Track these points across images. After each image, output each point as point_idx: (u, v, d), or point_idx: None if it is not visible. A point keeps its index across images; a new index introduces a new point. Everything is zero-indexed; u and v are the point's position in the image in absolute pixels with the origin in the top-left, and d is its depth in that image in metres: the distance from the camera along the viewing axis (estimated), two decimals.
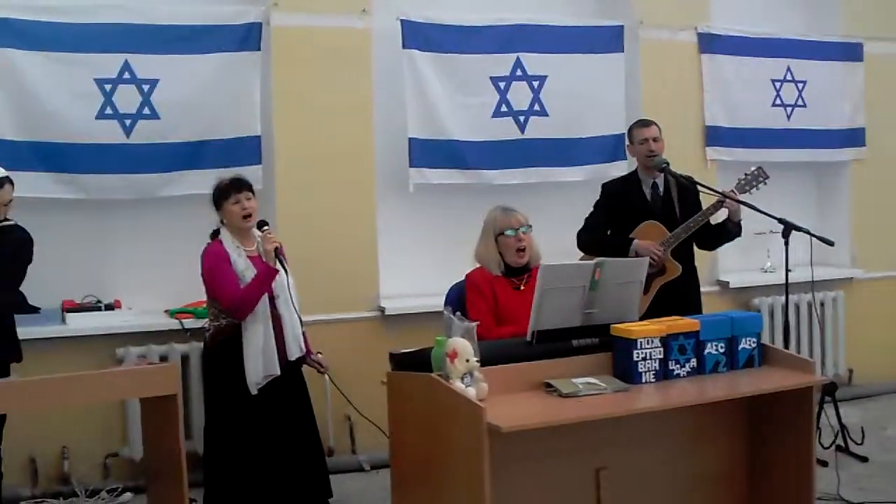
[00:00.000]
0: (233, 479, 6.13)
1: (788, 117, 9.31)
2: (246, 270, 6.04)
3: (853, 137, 9.63)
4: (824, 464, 7.25)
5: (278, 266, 6.06)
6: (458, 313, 5.29)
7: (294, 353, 6.19)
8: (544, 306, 5.44)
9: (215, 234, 6.28)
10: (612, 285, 5.59)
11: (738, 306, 8.90)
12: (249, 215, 6.17)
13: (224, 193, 6.21)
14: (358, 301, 7.58)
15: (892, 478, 7.24)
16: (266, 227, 6.15)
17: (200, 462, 7.00)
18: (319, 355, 6.56)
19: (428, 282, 7.58)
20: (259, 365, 6.02)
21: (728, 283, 9.02)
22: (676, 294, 6.91)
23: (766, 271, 9.21)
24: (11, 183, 6.09)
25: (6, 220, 6.09)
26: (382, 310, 7.78)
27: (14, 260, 6.13)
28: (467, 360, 4.96)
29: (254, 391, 6.03)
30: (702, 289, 7.47)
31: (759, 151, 9.00)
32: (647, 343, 5.40)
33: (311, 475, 6.30)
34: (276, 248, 6.07)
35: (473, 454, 4.72)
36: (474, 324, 5.18)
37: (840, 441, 7.73)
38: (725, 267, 9.08)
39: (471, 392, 4.90)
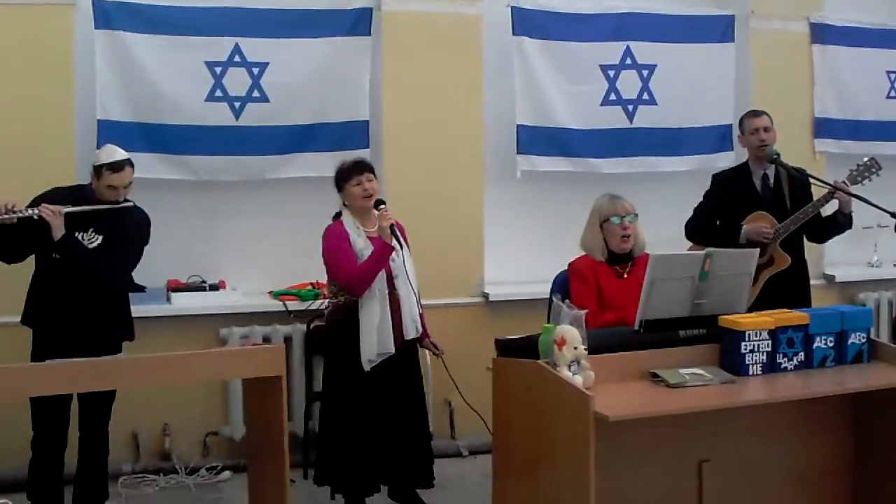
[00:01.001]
0: (344, 455, 6.18)
1: None
2: (365, 249, 6.10)
3: None
4: None
5: (395, 244, 6.11)
6: (566, 301, 5.29)
7: (410, 332, 6.23)
8: (653, 296, 5.40)
9: (337, 215, 6.34)
10: (721, 276, 5.54)
11: (844, 300, 8.80)
12: (370, 196, 6.21)
13: (346, 175, 6.26)
14: (463, 286, 7.60)
15: None
16: (383, 206, 6.18)
17: (300, 443, 7.10)
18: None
19: (532, 269, 7.59)
20: (374, 342, 6.07)
21: (834, 276, 8.90)
22: (785, 286, 6.82)
23: (872, 266, 9.07)
24: (132, 165, 6.15)
25: (126, 200, 6.17)
26: (486, 296, 7.79)
27: (133, 240, 6.20)
28: (575, 348, 4.94)
29: (367, 368, 6.08)
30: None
31: (871, 144, 8.84)
32: (756, 335, 5.35)
33: (417, 458, 6.33)
34: (392, 225, 6.10)
35: (579, 443, 4.71)
36: (583, 312, 5.18)
37: None
38: (832, 260, 8.95)
39: (578, 380, 4.88)
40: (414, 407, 6.34)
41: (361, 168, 6.27)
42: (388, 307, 6.11)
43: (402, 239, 6.21)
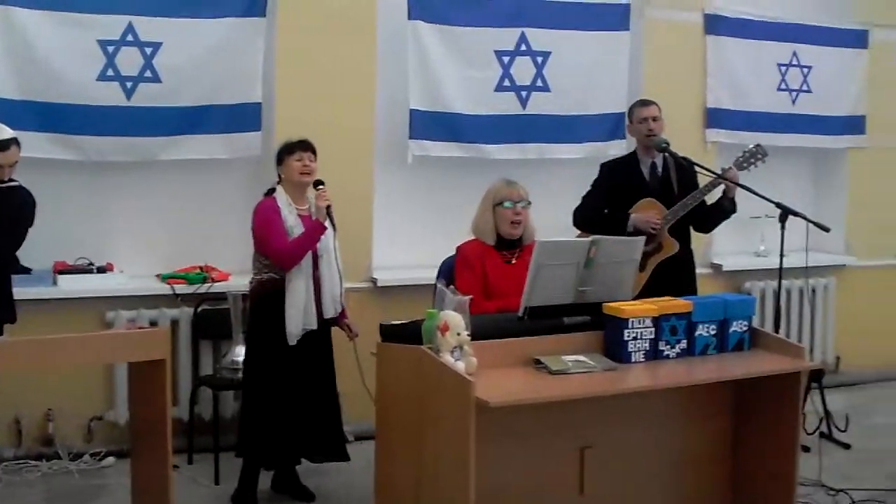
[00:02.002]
0: (266, 427, 6.24)
1: (794, 102, 9.30)
2: (295, 227, 6.16)
3: (854, 125, 9.63)
4: (807, 449, 7.28)
5: (327, 224, 6.17)
6: (451, 286, 5.33)
7: (329, 312, 6.30)
8: (538, 282, 5.44)
9: (270, 191, 6.38)
10: (606, 264, 5.60)
11: (731, 289, 8.92)
12: (309, 173, 6.28)
13: (290, 149, 6.32)
14: (352, 271, 7.52)
15: (874, 466, 7.29)
16: (322, 187, 6.26)
17: (186, 428, 7.07)
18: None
19: (422, 254, 7.57)
20: (299, 317, 6.15)
21: (721, 265, 9.04)
22: (673, 273, 6.92)
23: (759, 255, 9.21)
24: (18, 144, 6.07)
25: (11, 180, 6.09)
26: (375, 281, 7.79)
27: (16, 221, 6.13)
28: (458, 334, 4.96)
29: (292, 342, 6.15)
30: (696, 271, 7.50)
31: (761, 135, 8.85)
32: (639, 323, 5.42)
33: (331, 433, 6.42)
34: (328, 207, 6.16)
35: (460, 428, 4.73)
36: (467, 298, 5.20)
37: (824, 428, 7.78)
38: (719, 250, 9.10)
39: (460, 366, 4.90)
40: (327, 384, 6.40)
41: (306, 146, 6.35)
42: (312, 285, 6.20)
43: (333, 222, 6.28)
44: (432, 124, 7.84)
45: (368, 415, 5.65)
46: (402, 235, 8.10)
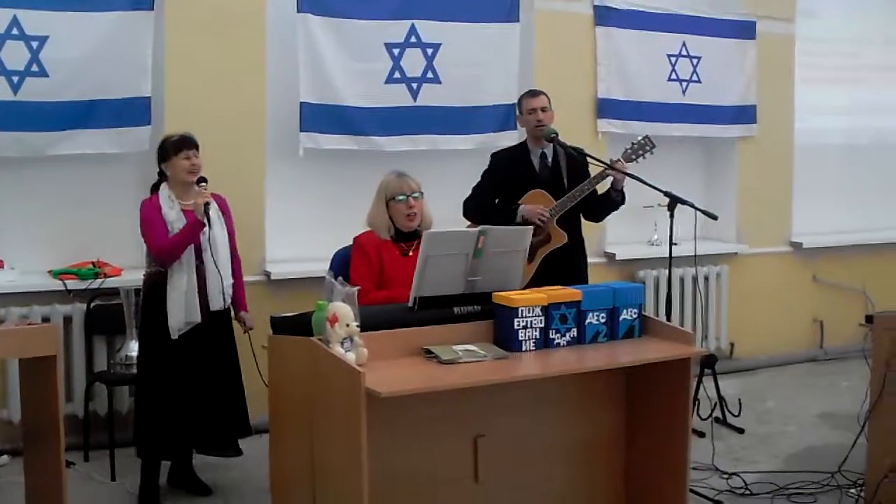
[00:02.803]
0: (158, 417, 6.25)
1: (684, 92, 9.41)
2: (176, 222, 6.17)
3: (744, 114, 9.78)
4: (701, 434, 7.43)
5: (206, 221, 6.15)
6: (339, 278, 5.32)
7: (216, 304, 6.29)
8: (427, 273, 5.46)
9: (155, 187, 6.38)
10: (495, 253, 5.62)
11: (624, 278, 9.02)
12: (195, 171, 6.27)
13: (176, 147, 6.31)
14: (244, 264, 7.51)
15: (766, 449, 7.44)
16: (203, 184, 6.24)
17: (81, 425, 7.02)
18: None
19: (316, 247, 7.55)
20: (181, 311, 6.17)
21: (615, 254, 9.13)
22: (562, 263, 6.98)
23: (652, 244, 9.30)
24: None
25: None
26: (268, 274, 7.78)
27: None
28: (347, 325, 4.97)
29: (174, 335, 6.17)
30: (589, 260, 7.56)
31: (652, 125, 9.01)
32: (529, 312, 5.44)
33: (228, 412, 6.40)
34: (206, 204, 6.14)
35: (351, 419, 4.74)
36: (355, 289, 5.20)
37: (718, 413, 7.90)
38: (613, 239, 9.19)
39: (350, 357, 4.92)
40: (223, 368, 6.40)
41: (191, 143, 6.34)
42: (195, 279, 6.20)
43: (218, 214, 6.30)
44: (323, 117, 7.83)
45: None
46: (295, 228, 8.08)
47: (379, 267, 6.20)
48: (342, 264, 6.38)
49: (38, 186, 7.46)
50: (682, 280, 9.37)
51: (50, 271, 7.37)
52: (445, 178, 7.88)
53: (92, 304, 7.20)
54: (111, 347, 7.32)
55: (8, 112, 7.06)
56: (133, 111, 7.34)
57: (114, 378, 6.92)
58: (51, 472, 5.58)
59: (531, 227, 6.07)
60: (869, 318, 6.44)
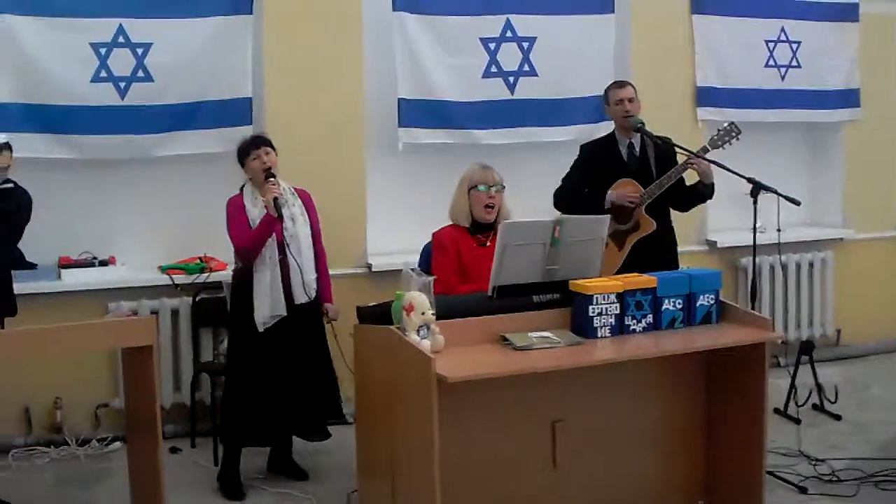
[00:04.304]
0: (246, 409, 6.49)
1: (783, 78, 9.37)
2: (258, 219, 6.41)
3: (848, 98, 9.69)
4: (797, 421, 7.49)
5: (286, 213, 6.41)
6: (415, 268, 5.48)
7: (300, 298, 6.50)
8: (505, 262, 5.60)
9: (243, 188, 6.63)
10: (573, 242, 5.75)
11: (726, 266, 9.04)
12: (269, 168, 6.48)
13: (245, 150, 6.58)
14: (347, 258, 7.78)
15: (862, 436, 7.41)
16: (271, 179, 6.45)
17: (188, 413, 7.30)
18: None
19: (415, 239, 7.63)
20: (266, 305, 6.41)
21: (716, 242, 9.15)
22: (652, 250, 7.04)
23: (758, 231, 9.25)
24: (10, 149, 6.36)
25: (7, 181, 6.33)
26: (370, 266, 7.98)
27: (13, 221, 6.38)
28: (423, 314, 5.15)
29: (260, 329, 6.41)
30: (690, 248, 7.67)
31: (752, 112, 9.12)
32: (604, 299, 5.56)
33: (315, 398, 6.62)
34: (276, 198, 6.35)
35: (424, 404, 4.92)
36: (431, 278, 5.37)
37: (816, 400, 7.91)
38: (715, 226, 9.20)
39: (425, 344, 5.09)
40: (313, 358, 6.62)
41: (258, 143, 6.58)
42: (279, 273, 6.42)
43: (301, 209, 6.58)
44: (421, 112, 8.01)
45: None
46: (396, 221, 8.26)
47: (458, 259, 6.34)
48: (428, 257, 6.56)
49: (147, 186, 7.79)
50: (785, 267, 9.34)
51: (159, 267, 7.67)
52: (542, 169, 8.00)
53: (198, 298, 7.48)
54: (216, 339, 7.60)
55: (116, 116, 7.39)
56: (235, 112, 7.60)
57: (217, 368, 7.16)
58: (150, 457, 5.84)
59: (608, 216, 6.17)
60: None
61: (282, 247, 6.43)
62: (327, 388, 6.68)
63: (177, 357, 7.53)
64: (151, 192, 7.80)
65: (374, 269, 7.96)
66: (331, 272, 7.02)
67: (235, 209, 6.48)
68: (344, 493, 6.33)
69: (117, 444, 7.28)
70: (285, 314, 6.42)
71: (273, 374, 6.46)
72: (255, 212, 6.42)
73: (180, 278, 7.52)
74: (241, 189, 6.59)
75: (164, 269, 7.58)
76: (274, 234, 6.39)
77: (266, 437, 6.68)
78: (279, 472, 6.81)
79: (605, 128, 8.19)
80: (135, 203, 7.79)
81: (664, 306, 5.74)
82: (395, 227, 8.22)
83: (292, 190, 6.61)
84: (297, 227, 6.47)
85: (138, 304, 7.42)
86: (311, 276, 6.55)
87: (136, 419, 6.11)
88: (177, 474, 6.64)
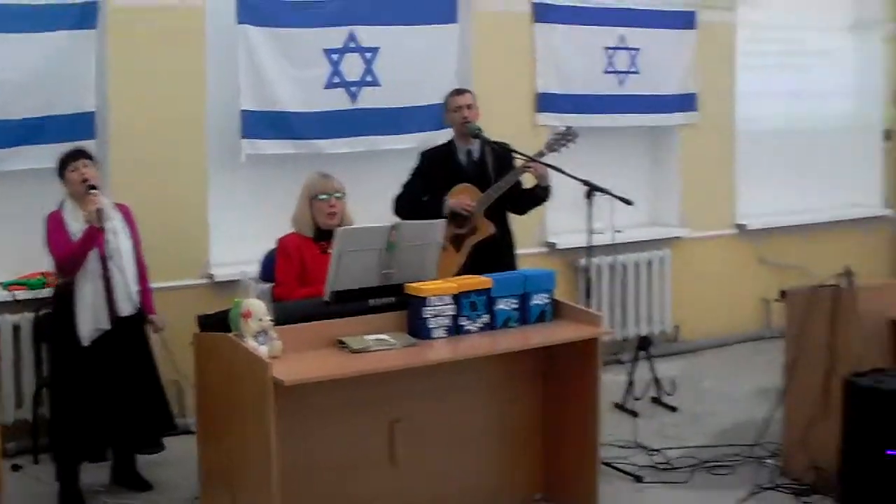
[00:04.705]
0: (73, 424, 6.46)
1: (621, 83, 9.61)
2: (79, 233, 6.36)
3: (684, 102, 10.00)
4: (635, 414, 7.76)
5: (104, 226, 6.35)
6: (253, 276, 5.61)
7: (125, 310, 6.48)
8: (342, 267, 5.75)
9: (62, 204, 6.58)
10: (409, 247, 5.90)
11: (565, 267, 9.24)
12: (86, 180, 6.45)
13: (64, 164, 6.54)
14: (190, 269, 7.79)
15: (696, 426, 7.72)
16: (93, 192, 6.41)
17: (30, 429, 7.29)
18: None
19: (260, 249, 7.62)
20: (89, 319, 6.37)
21: (555, 244, 9.35)
22: (490, 253, 7.23)
23: (596, 233, 9.43)
24: None
25: None
26: (212, 276, 7.99)
27: None
28: (260, 320, 5.25)
29: (85, 343, 6.37)
30: (530, 250, 7.88)
31: (591, 117, 9.38)
32: (439, 300, 5.73)
33: (144, 410, 6.61)
34: (100, 210, 6.32)
35: (261, 408, 5.04)
36: (268, 285, 5.51)
37: (654, 393, 8.21)
38: (555, 228, 9.39)
39: (262, 350, 5.20)
40: (139, 376, 6.61)
41: (77, 155, 6.56)
42: (102, 286, 6.40)
43: (121, 222, 6.52)
44: (264, 123, 8.05)
45: None
46: (240, 231, 8.25)
47: (300, 265, 6.48)
48: (270, 264, 6.68)
49: None
50: (624, 266, 9.63)
51: (0, 283, 7.63)
52: (384, 178, 8.07)
53: (40, 313, 7.40)
54: None
55: None
56: (79, 126, 7.56)
57: None
58: None
59: (443, 221, 6.38)
60: (783, 294, 6.71)
61: (104, 260, 6.42)
62: (155, 399, 6.71)
63: (18, 373, 7.45)
64: None
65: (216, 280, 7.96)
66: (171, 284, 7.08)
67: (55, 223, 6.45)
68: (188, 502, 6.39)
69: None
70: (109, 327, 6.42)
71: (99, 388, 6.44)
72: (76, 226, 6.38)
73: (22, 294, 7.48)
74: (61, 205, 6.56)
75: (5, 286, 7.53)
76: (96, 248, 6.38)
77: (95, 452, 6.64)
78: (122, 485, 6.81)
79: (446, 135, 8.33)
80: None
81: (499, 306, 5.93)
82: (239, 238, 8.20)
83: (113, 204, 6.58)
84: (119, 240, 6.45)
85: None
86: (135, 288, 6.56)
87: None
88: (18, 492, 6.64)
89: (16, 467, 7.07)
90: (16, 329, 7.47)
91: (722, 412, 8.02)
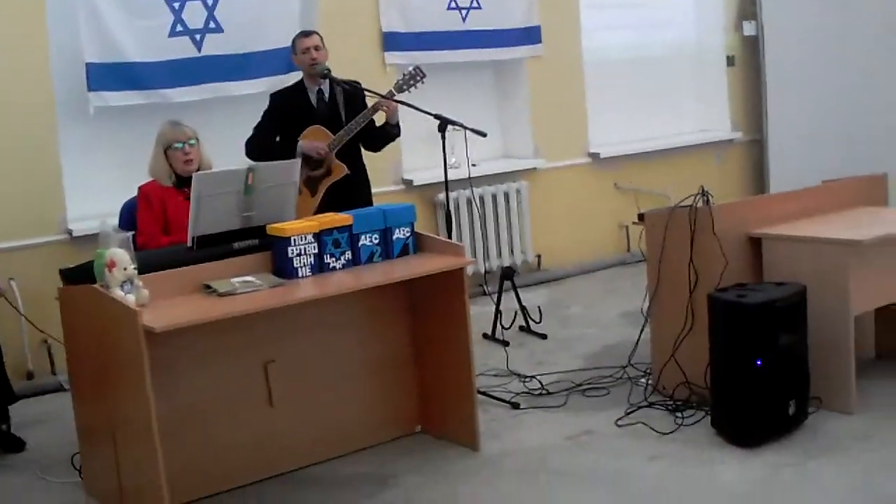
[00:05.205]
0: None
1: (464, 19, 9.65)
2: None
3: (529, 35, 10.07)
4: (506, 343, 7.87)
5: None
6: (114, 226, 5.55)
7: None
8: (202, 212, 5.71)
9: None
10: (266, 188, 5.88)
11: (424, 203, 9.31)
12: None
13: None
14: (47, 226, 7.71)
15: (567, 351, 7.83)
16: None
17: None
18: None
19: (117, 201, 7.61)
20: None
21: (412, 181, 9.40)
22: (346, 193, 7.28)
23: (451, 167, 9.51)
24: None
25: None
26: (70, 232, 7.90)
27: None
28: (125, 269, 5.19)
29: None
30: (388, 188, 7.91)
31: (437, 53, 9.42)
32: (302, 239, 5.71)
33: None
34: None
35: (134, 358, 4.98)
36: (130, 234, 5.46)
37: (522, 322, 8.29)
38: (410, 166, 9.47)
39: (130, 299, 5.13)
40: None
41: None
42: None
43: None
44: (110, 75, 7.95)
45: None
46: (95, 185, 8.16)
47: (163, 213, 6.45)
48: (130, 214, 6.62)
49: None
50: (481, 198, 9.72)
51: None
52: (235, 123, 8.01)
53: None
54: None
55: None
56: None
57: None
58: None
59: (299, 161, 6.39)
60: (641, 217, 6.83)
61: None
62: None
63: None
64: None
65: (75, 235, 7.87)
66: (30, 241, 6.98)
67: None
68: (67, 459, 6.30)
69: None
70: None
71: None
72: None
73: None
74: None
75: None
76: None
77: None
78: None
79: (294, 77, 8.30)
80: None
81: (361, 242, 5.94)
82: (95, 191, 8.11)
83: None
84: None
85: None
86: None
87: None
88: None
89: None
90: None
91: (590, 337, 8.16)
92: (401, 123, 7.45)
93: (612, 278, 10.17)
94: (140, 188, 6.60)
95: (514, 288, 8.33)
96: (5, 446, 6.67)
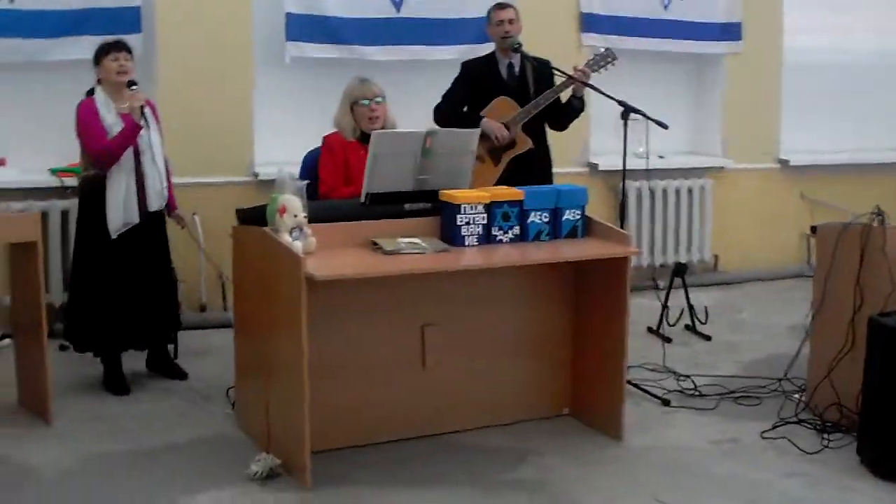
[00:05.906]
0: (93, 315, 6.59)
1: (665, 7, 9.56)
2: (114, 125, 6.41)
3: (729, 31, 9.90)
4: (668, 340, 7.80)
5: (143, 122, 6.41)
6: (289, 172, 5.65)
7: (154, 205, 6.60)
8: (377, 171, 5.80)
9: (90, 92, 6.61)
10: (443, 154, 5.94)
11: (608, 189, 9.28)
12: (125, 72, 6.49)
13: (104, 50, 6.54)
14: (235, 166, 7.92)
15: (728, 356, 7.72)
16: (134, 87, 6.47)
17: (57, 313, 7.41)
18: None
19: (302, 151, 7.78)
20: (120, 212, 6.46)
21: (597, 165, 9.36)
22: (527, 168, 7.26)
23: (637, 156, 9.47)
24: None
25: None
26: (257, 175, 8.12)
27: None
28: (295, 216, 5.32)
29: (113, 236, 6.46)
30: (572, 169, 7.91)
31: (634, 40, 9.36)
32: (472, 209, 5.77)
33: (161, 307, 6.77)
34: (142, 106, 6.40)
35: (294, 303, 5.11)
36: (304, 182, 5.56)
37: (688, 321, 8.23)
38: (598, 150, 9.42)
39: (297, 245, 5.27)
40: (158, 267, 6.76)
41: (120, 46, 6.58)
42: (134, 181, 6.49)
43: (151, 118, 6.55)
44: (308, 26, 8.13)
45: None
46: (284, 132, 8.31)
47: (344, 165, 6.54)
48: (312, 164, 6.74)
49: (39, 90, 7.84)
50: (665, 192, 9.64)
51: (49, 169, 7.74)
52: (426, 87, 8.07)
53: None
54: None
55: (7, 20, 7.43)
56: (124, 19, 7.65)
57: None
58: (36, 354, 6.03)
59: (479, 130, 6.44)
60: (814, 229, 6.71)
61: (137, 155, 6.49)
62: (167, 298, 6.86)
63: (66, 257, 7.56)
64: (42, 96, 7.84)
65: (260, 178, 8.07)
66: (218, 179, 7.14)
67: (90, 114, 6.47)
68: (222, 392, 6.50)
69: (7, 340, 7.23)
70: (138, 221, 6.52)
71: (122, 282, 6.56)
72: (110, 118, 6.43)
73: (70, 181, 7.55)
74: (90, 94, 6.59)
75: (54, 172, 7.66)
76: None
77: (110, 347, 6.74)
78: (158, 372, 6.95)
79: (488, 48, 8.32)
80: (26, 107, 7.84)
81: (530, 219, 5.95)
82: (282, 138, 8.28)
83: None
84: (151, 135, 6.52)
85: (29, 205, 7.47)
86: (165, 183, 6.67)
87: (21, 316, 6.24)
88: (64, 371, 6.80)
89: (63, 347, 7.13)
90: (64, 214, 7.65)
91: (754, 344, 8.01)
92: (590, 106, 7.36)
93: (789, 288, 9.91)
94: (325, 138, 6.70)
95: (685, 285, 8.23)
96: (170, 373, 6.90)
